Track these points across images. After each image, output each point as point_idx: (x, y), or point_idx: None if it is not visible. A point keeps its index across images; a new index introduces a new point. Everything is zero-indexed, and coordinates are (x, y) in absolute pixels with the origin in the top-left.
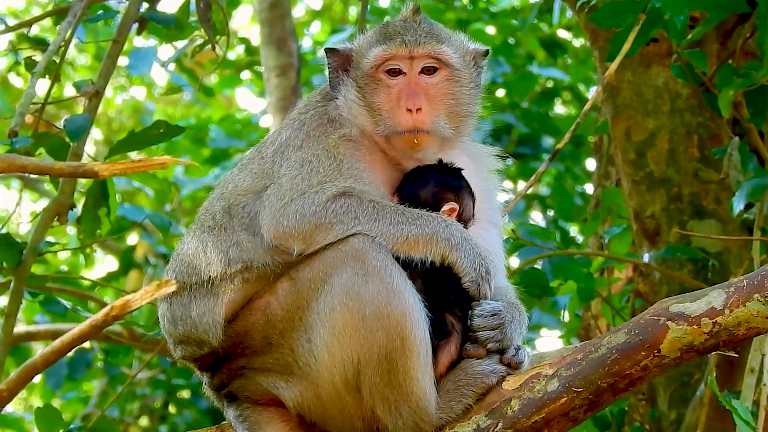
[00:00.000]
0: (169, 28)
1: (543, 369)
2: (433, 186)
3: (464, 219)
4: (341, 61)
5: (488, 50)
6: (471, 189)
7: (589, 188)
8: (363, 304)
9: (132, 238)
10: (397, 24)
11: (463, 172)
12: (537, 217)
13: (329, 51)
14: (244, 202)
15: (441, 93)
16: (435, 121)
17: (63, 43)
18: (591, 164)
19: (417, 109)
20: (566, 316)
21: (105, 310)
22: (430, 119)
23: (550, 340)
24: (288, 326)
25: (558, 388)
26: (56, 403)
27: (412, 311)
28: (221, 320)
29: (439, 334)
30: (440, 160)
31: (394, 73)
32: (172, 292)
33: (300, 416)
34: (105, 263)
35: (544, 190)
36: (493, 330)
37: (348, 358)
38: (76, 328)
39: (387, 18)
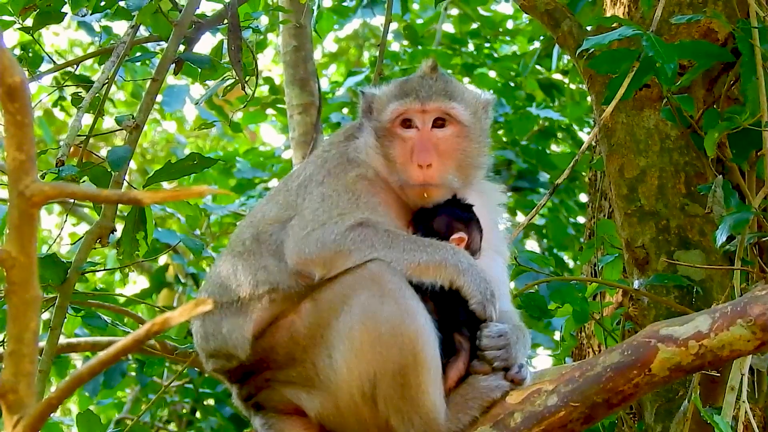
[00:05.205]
0: (204, 68)
1: (543, 385)
2: (445, 218)
3: (472, 249)
4: (366, 105)
5: (495, 98)
6: (479, 223)
7: (581, 219)
8: (379, 324)
9: (162, 259)
10: (415, 81)
11: (473, 207)
12: (533, 246)
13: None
14: (271, 230)
15: (451, 148)
16: (444, 176)
17: (107, 81)
18: (584, 197)
19: (427, 165)
20: (560, 336)
21: (147, 325)
22: (439, 174)
23: (545, 359)
24: (310, 343)
25: (557, 402)
26: (92, 408)
27: (424, 330)
28: (249, 336)
29: (448, 352)
30: (454, 195)
31: (408, 125)
32: (206, 311)
33: (321, 425)
34: (137, 282)
35: (540, 220)
36: (500, 350)
37: (365, 373)
38: (120, 342)
39: (400, 62)
